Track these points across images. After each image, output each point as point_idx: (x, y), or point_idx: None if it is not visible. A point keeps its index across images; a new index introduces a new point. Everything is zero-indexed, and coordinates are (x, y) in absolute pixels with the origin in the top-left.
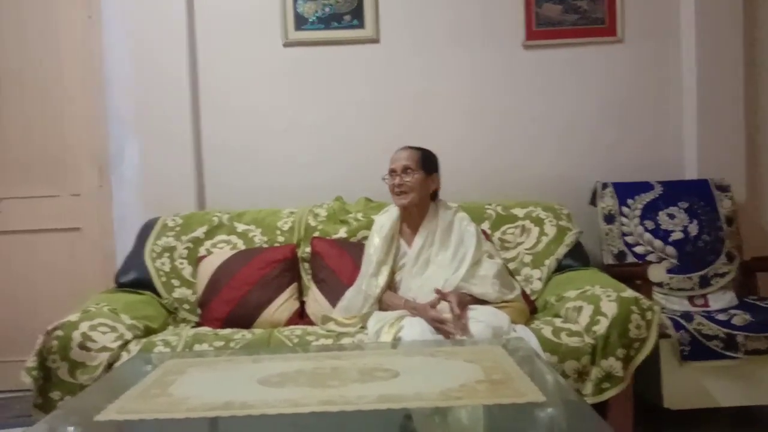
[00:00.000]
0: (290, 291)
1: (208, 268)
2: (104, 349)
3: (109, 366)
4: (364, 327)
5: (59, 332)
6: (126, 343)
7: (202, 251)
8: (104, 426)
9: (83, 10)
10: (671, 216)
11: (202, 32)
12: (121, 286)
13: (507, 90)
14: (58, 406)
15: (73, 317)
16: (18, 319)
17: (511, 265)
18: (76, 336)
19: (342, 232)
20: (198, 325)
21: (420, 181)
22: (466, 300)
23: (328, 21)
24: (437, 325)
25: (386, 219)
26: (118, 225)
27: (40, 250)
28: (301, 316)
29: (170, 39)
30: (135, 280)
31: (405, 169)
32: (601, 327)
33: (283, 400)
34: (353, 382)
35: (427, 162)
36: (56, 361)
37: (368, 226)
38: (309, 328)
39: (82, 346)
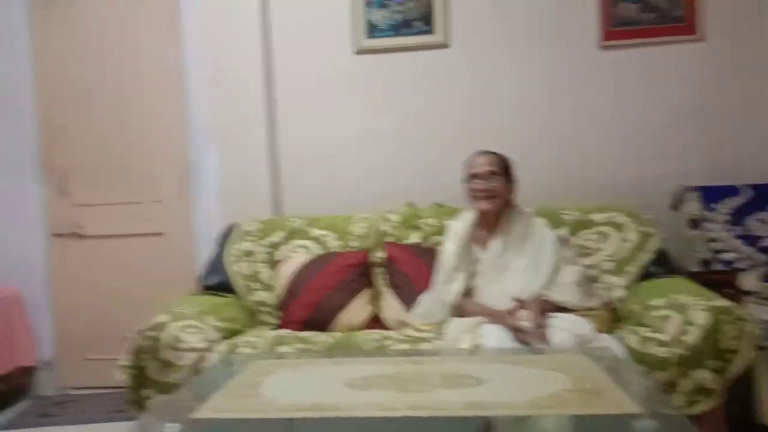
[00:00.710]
0: (364, 295)
1: (286, 272)
2: (192, 349)
3: (197, 365)
4: (440, 332)
5: (151, 332)
6: (212, 343)
7: (280, 255)
8: (201, 424)
9: (164, 26)
10: (762, 221)
11: (277, 43)
12: (206, 289)
13: (581, 92)
14: (151, 404)
15: (163, 318)
16: (106, 320)
17: (591, 272)
18: (166, 336)
19: (414, 238)
20: (278, 327)
21: (504, 186)
22: (547, 307)
23: (398, 28)
24: (516, 332)
25: (460, 225)
26: (199, 230)
27: (125, 254)
28: (375, 321)
29: (245, 51)
30: (218, 283)
31: (490, 174)
32: (691, 337)
33: (370, 403)
34: (437, 387)
35: (508, 167)
36: (147, 360)
37: (440, 231)
38: (385, 332)
39: (172, 347)
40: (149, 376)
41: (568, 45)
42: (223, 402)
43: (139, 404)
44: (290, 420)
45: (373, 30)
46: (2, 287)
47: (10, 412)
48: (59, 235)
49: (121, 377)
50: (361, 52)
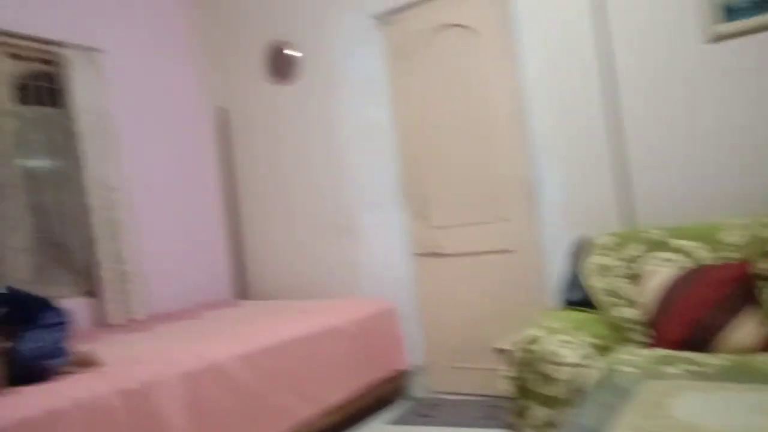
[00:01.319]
0: (749, 313)
1: (653, 287)
2: (570, 364)
3: (575, 381)
4: None
5: (527, 346)
6: (588, 359)
7: (641, 269)
8: None
9: (501, 53)
10: None
11: (618, 49)
12: (567, 304)
13: None
14: (534, 416)
15: (539, 332)
16: (466, 331)
17: None
18: (543, 350)
19: None
20: (649, 345)
21: None
22: None
23: (761, 5)
24: None
25: None
26: (547, 246)
27: (479, 270)
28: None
29: (581, 62)
30: (577, 299)
31: None
32: None
33: None
34: None
35: None
36: (526, 372)
37: None
38: None
39: (549, 360)
40: (529, 387)
41: None
42: (637, 422)
43: (520, 414)
44: None
45: (728, 13)
46: (381, 301)
47: (394, 410)
48: (421, 255)
49: (505, 388)
50: (715, 39)
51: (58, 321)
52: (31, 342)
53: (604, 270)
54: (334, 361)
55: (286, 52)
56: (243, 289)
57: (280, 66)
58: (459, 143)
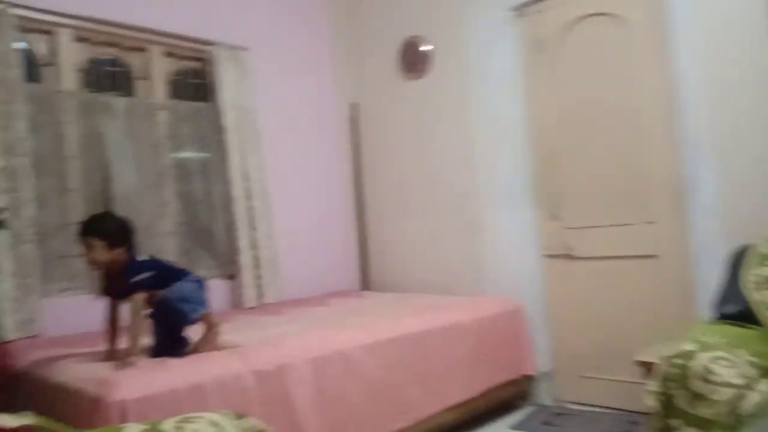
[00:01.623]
0: None
1: None
2: (729, 384)
3: (734, 403)
4: None
5: (678, 360)
6: (750, 381)
7: None
8: None
9: (652, 41)
10: None
11: None
12: (720, 317)
13: None
14: None
15: (690, 347)
16: (598, 339)
17: None
18: (696, 367)
19: None
20: None
21: None
22: None
23: None
24: None
25: None
26: (698, 253)
27: (616, 276)
28: None
29: (744, 52)
30: (736, 312)
31: None
32: None
33: None
34: None
35: None
36: (675, 389)
37: None
38: None
39: (703, 378)
40: (677, 406)
41: None
42: None
43: None
44: None
45: None
46: (509, 300)
47: (517, 415)
48: (552, 256)
49: (650, 403)
50: None
51: (198, 279)
52: (177, 291)
53: None
54: (458, 358)
55: (419, 47)
56: (366, 279)
57: (412, 61)
58: (600, 139)
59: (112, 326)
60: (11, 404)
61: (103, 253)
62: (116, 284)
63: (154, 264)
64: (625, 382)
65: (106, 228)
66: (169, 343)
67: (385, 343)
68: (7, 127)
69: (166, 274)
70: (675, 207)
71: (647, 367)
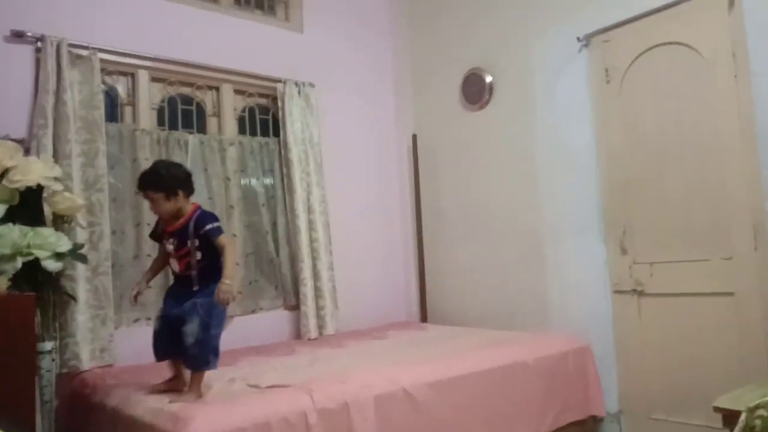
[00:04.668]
0: None
1: None
2: None
3: None
4: None
5: (763, 412)
6: None
7: None
8: None
9: (729, 70)
10: None
11: None
12: None
13: None
14: None
15: None
16: (670, 379)
17: None
18: None
19: None
20: None
21: None
22: None
23: None
24: None
25: None
26: None
27: (689, 313)
28: None
29: None
30: None
31: None
32: None
33: None
34: None
35: None
36: None
37: None
38: None
39: None
40: None
41: None
42: None
43: None
44: None
45: None
46: (575, 338)
47: None
48: (621, 292)
49: None
50: None
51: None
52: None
53: None
54: (524, 397)
55: (481, 78)
56: (425, 311)
57: (475, 92)
58: (674, 169)
59: (154, 270)
60: None
61: (164, 203)
62: (173, 228)
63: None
64: (700, 426)
65: (159, 179)
66: (169, 341)
67: (450, 381)
68: (90, 164)
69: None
70: (755, 242)
71: (726, 414)
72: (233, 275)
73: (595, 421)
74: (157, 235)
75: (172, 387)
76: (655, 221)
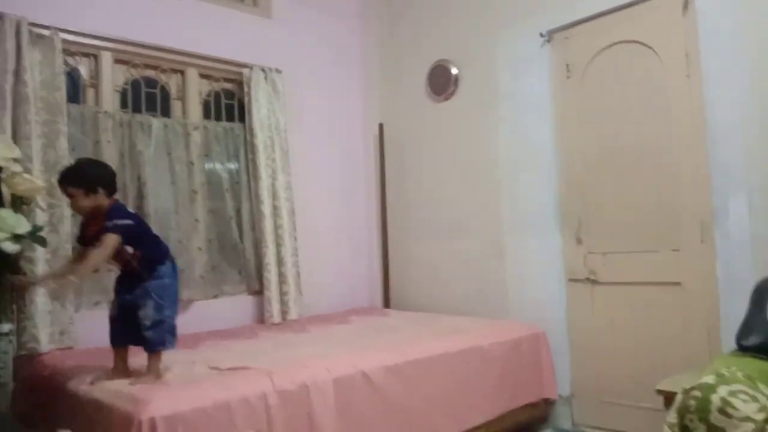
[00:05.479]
0: None
1: None
2: (747, 419)
3: None
4: None
5: (697, 393)
6: None
7: None
8: None
9: (682, 69)
10: None
11: None
12: (743, 349)
13: None
14: None
15: (710, 379)
16: (619, 365)
17: None
18: (715, 400)
19: None
20: None
21: None
22: None
23: None
24: None
25: None
26: (724, 282)
27: (638, 302)
28: None
29: None
30: (758, 344)
31: None
32: None
33: None
34: None
35: None
36: (693, 421)
37: None
38: None
39: (722, 412)
40: None
41: None
42: None
43: None
44: None
45: None
46: (530, 326)
47: None
48: (575, 281)
49: None
50: None
51: (174, 269)
52: (157, 290)
53: None
54: (480, 381)
55: (447, 70)
56: (388, 297)
57: (441, 83)
58: (628, 165)
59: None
60: (45, 417)
61: (83, 200)
62: (94, 229)
63: (137, 219)
64: (646, 408)
65: (79, 175)
66: (124, 328)
67: (408, 364)
68: (51, 146)
69: (143, 233)
70: (701, 235)
71: (667, 396)
72: (82, 275)
73: (547, 403)
74: (83, 240)
75: (113, 377)
76: (609, 214)
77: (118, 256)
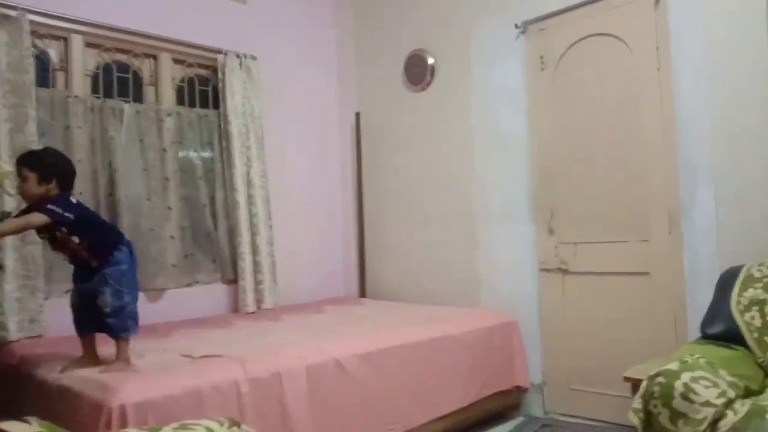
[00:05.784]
0: None
1: None
2: (708, 404)
3: (714, 423)
4: None
5: (661, 379)
6: (730, 401)
7: None
8: None
9: (653, 62)
10: None
11: None
12: (707, 337)
13: None
14: None
15: (673, 366)
16: (589, 353)
17: None
18: (678, 386)
19: None
20: None
21: None
22: None
23: None
24: None
25: None
26: (691, 272)
27: (608, 291)
28: None
29: (748, 75)
30: (722, 332)
31: None
32: None
33: None
34: None
35: None
36: (657, 406)
37: None
38: None
39: (685, 397)
40: (660, 423)
41: None
42: None
43: None
44: None
45: None
46: (502, 314)
47: (507, 426)
48: (547, 270)
49: (634, 420)
50: None
51: (131, 255)
52: (115, 275)
53: (756, 304)
54: (452, 368)
55: (424, 59)
56: (363, 287)
57: (417, 73)
58: (599, 156)
59: None
60: (13, 405)
61: (34, 185)
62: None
63: (82, 210)
64: (615, 396)
65: (39, 159)
66: (86, 317)
67: (380, 352)
68: (19, 130)
69: (88, 223)
70: (669, 226)
71: (635, 383)
72: (2, 231)
73: (519, 391)
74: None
75: (83, 366)
76: (581, 205)
77: (63, 245)
